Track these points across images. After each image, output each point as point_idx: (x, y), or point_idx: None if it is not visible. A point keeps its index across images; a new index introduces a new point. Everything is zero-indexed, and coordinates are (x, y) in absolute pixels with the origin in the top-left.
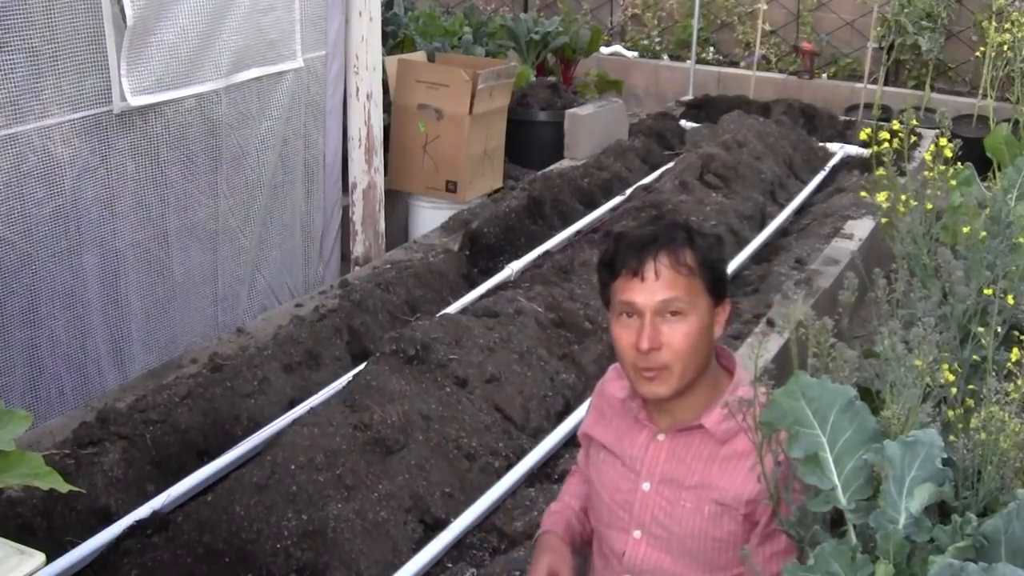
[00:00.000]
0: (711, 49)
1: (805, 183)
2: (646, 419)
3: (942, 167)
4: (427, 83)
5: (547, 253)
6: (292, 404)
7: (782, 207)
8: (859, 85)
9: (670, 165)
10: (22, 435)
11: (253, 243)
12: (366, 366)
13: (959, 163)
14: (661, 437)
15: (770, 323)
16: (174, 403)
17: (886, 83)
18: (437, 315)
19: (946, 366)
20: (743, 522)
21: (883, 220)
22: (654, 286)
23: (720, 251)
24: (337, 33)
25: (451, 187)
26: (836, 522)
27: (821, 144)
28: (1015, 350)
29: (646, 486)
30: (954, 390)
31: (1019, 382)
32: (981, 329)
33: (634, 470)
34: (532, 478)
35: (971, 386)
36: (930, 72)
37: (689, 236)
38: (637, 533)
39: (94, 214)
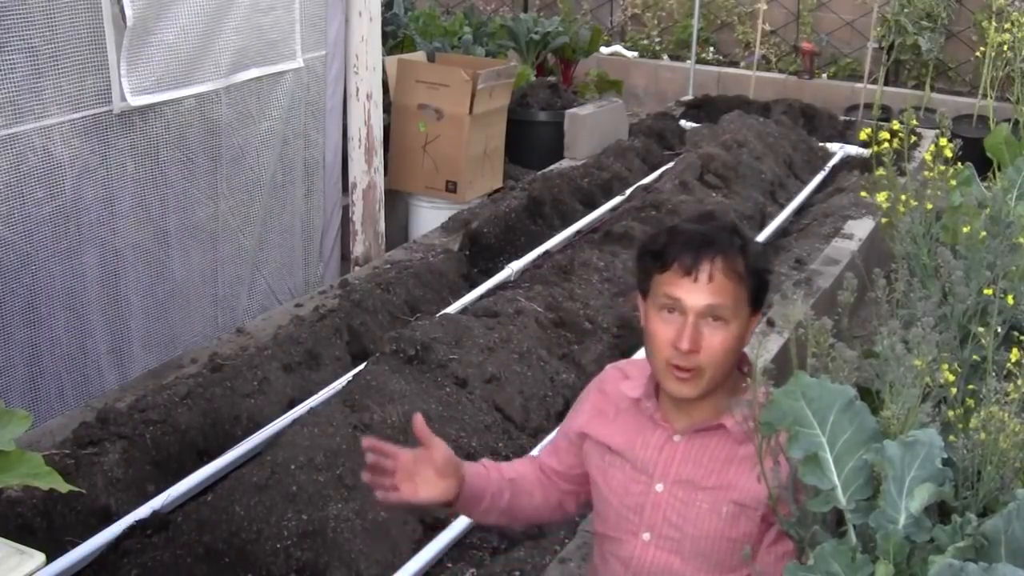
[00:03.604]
0: (711, 49)
1: (805, 183)
2: (662, 419)
3: (942, 167)
4: (427, 83)
5: (547, 253)
6: (292, 404)
7: (782, 207)
8: (859, 85)
9: (670, 165)
10: (22, 435)
11: (253, 243)
12: (366, 366)
13: (959, 163)
14: (677, 438)
15: (770, 323)
16: (174, 403)
17: (886, 83)
18: (437, 315)
19: (946, 366)
20: (760, 523)
21: (883, 220)
22: (705, 288)
23: (768, 262)
24: (337, 33)
25: (451, 187)
26: (836, 522)
27: (821, 144)
28: (1015, 350)
29: (659, 487)
30: (954, 390)
31: (1019, 382)
32: (981, 329)
33: (646, 472)
34: None
35: (971, 386)
36: (930, 72)
37: (743, 243)
38: (646, 535)
39: (94, 214)
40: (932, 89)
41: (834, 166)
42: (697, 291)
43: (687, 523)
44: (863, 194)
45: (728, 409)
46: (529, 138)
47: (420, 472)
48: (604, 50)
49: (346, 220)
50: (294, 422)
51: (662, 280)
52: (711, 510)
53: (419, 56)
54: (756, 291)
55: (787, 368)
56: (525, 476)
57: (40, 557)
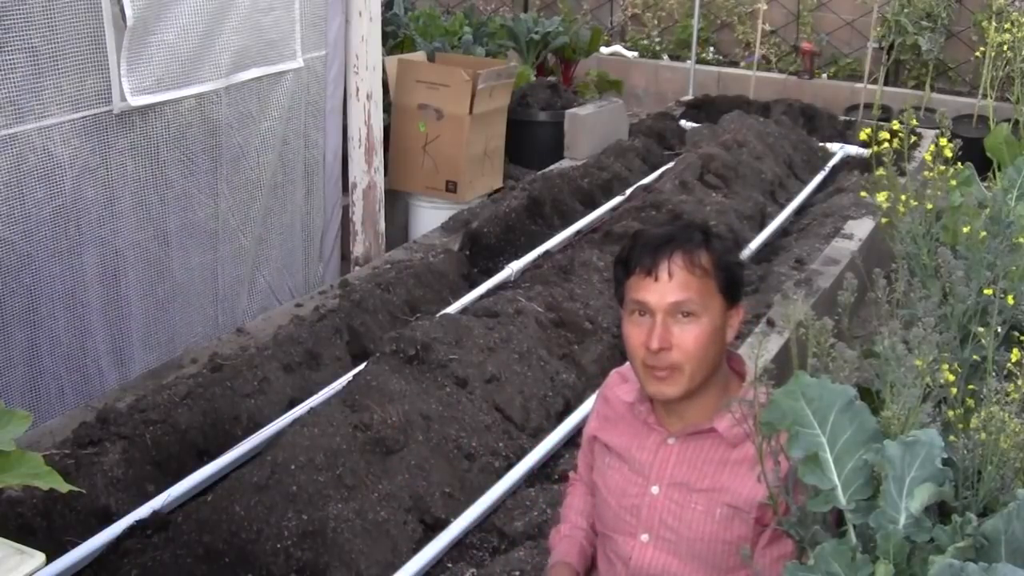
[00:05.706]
0: (711, 49)
1: (805, 183)
2: (655, 423)
3: (942, 167)
4: (427, 83)
5: (547, 253)
6: (292, 404)
7: (782, 207)
8: (859, 85)
9: (670, 165)
10: (22, 435)
11: (253, 243)
12: (366, 366)
13: (959, 163)
14: (671, 441)
15: (770, 323)
16: (174, 403)
17: (886, 83)
18: (437, 315)
19: (946, 366)
20: (754, 525)
21: (883, 220)
22: (667, 286)
23: (736, 255)
24: (337, 33)
25: (451, 187)
26: (836, 522)
27: (821, 144)
28: (1015, 350)
29: (655, 490)
30: (954, 390)
31: (1019, 382)
32: (981, 329)
33: (643, 474)
34: (532, 478)
35: (971, 386)
36: (930, 72)
37: (706, 237)
38: (644, 537)
39: (94, 214)
40: (932, 89)
41: (834, 166)
42: (660, 290)
43: (682, 525)
44: (863, 194)
45: (720, 412)
46: (529, 138)
47: None
48: (604, 50)
49: (346, 220)
50: (294, 422)
51: (629, 285)
52: (705, 512)
53: (419, 56)
54: (727, 284)
55: (787, 368)
56: (592, 513)
57: (40, 557)
